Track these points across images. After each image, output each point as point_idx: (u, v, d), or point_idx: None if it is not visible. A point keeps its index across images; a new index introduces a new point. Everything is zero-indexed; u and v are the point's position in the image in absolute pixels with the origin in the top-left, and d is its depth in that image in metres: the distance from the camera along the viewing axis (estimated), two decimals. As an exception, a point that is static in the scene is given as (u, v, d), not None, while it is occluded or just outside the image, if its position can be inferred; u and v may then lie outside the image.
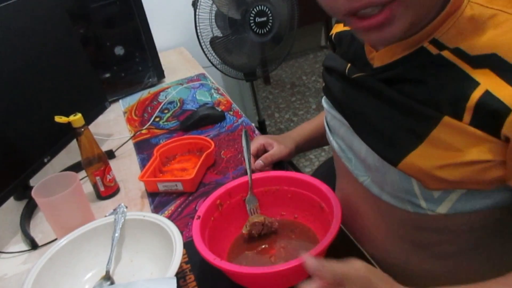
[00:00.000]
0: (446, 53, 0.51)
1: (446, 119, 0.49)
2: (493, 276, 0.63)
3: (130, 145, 1.18)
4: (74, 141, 0.91)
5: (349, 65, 0.64)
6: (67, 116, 0.88)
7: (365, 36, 0.53)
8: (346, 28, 0.71)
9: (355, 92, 0.61)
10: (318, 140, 0.94)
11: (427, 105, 0.51)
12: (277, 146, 0.90)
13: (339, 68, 0.66)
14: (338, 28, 0.74)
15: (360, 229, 0.71)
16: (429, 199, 0.54)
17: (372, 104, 0.58)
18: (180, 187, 0.92)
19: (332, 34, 0.75)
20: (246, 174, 0.80)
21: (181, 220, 0.85)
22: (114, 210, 0.78)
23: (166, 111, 1.32)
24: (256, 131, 1.12)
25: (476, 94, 0.47)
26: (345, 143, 0.67)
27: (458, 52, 0.50)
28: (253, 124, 1.17)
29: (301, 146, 0.94)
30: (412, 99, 0.53)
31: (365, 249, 0.71)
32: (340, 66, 0.66)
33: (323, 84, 0.75)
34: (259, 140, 0.92)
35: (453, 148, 0.49)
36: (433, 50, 0.52)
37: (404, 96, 0.53)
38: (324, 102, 0.74)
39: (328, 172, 1.19)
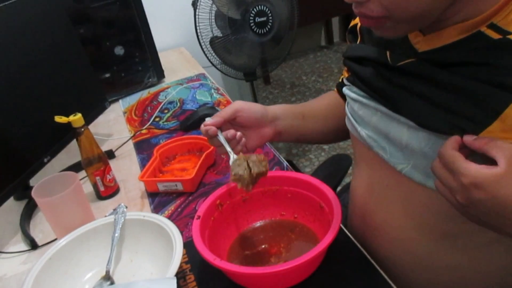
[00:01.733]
0: None
1: None
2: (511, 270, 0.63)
3: (130, 145, 1.18)
4: (74, 141, 0.91)
5: (388, 52, 0.62)
6: (67, 116, 0.88)
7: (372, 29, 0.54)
8: None
9: (403, 80, 0.60)
10: (294, 117, 0.83)
11: (494, 86, 0.51)
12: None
13: (375, 57, 0.64)
14: None
15: (382, 221, 0.69)
16: None
17: (426, 89, 0.57)
18: (180, 187, 0.92)
19: (356, 24, 0.73)
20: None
21: (181, 220, 0.85)
22: (114, 210, 0.78)
23: (166, 111, 1.32)
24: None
25: None
26: (379, 131, 0.65)
27: None
28: (253, 124, 1.17)
29: (270, 114, 0.79)
30: (475, 80, 0.52)
31: (382, 241, 0.70)
32: (377, 54, 0.64)
33: (346, 75, 0.73)
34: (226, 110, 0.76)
35: None
36: (493, 35, 0.51)
37: (465, 78, 0.53)
38: (350, 91, 0.71)
39: (328, 172, 1.20)
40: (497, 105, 0.50)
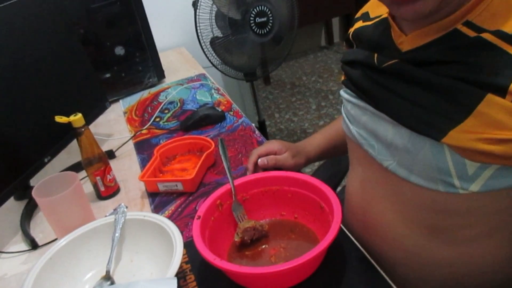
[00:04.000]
0: (486, 35, 0.51)
1: (490, 96, 0.50)
2: (504, 264, 0.63)
3: (130, 145, 1.18)
4: (74, 141, 0.91)
5: (376, 54, 0.65)
6: (68, 116, 0.88)
7: (397, 10, 0.55)
8: (367, 23, 0.72)
9: (387, 80, 0.62)
10: (329, 152, 0.96)
11: (468, 83, 0.52)
12: (287, 155, 0.90)
13: (365, 60, 0.67)
14: (357, 25, 0.75)
15: (374, 217, 0.71)
16: (463, 177, 0.55)
17: (407, 88, 0.59)
18: (180, 187, 0.92)
19: (350, 33, 0.77)
20: (246, 174, 0.80)
21: (181, 220, 0.85)
22: (114, 210, 0.78)
23: (166, 111, 1.32)
24: (256, 131, 1.12)
25: None
26: (368, 130, 0.68)
27: (499, 34, 0.51)
28: (253, 124, 1.17)
29: (312, 159, 0.94)
30: (450, 78, 0.54)
31: (376, 238, 0.71)
32: (366, 57, 0.67)
33: (342, 78, 0.76)
34: (273, 145, 0.91)
35: (498, 124, 0.50)
36: (469, 33, 0.53)
37: (441, 76, 0.54)
38: (344, 93, 0.75)
39: (328, 172, 1.20)
40: (469, 101, 0.52)
